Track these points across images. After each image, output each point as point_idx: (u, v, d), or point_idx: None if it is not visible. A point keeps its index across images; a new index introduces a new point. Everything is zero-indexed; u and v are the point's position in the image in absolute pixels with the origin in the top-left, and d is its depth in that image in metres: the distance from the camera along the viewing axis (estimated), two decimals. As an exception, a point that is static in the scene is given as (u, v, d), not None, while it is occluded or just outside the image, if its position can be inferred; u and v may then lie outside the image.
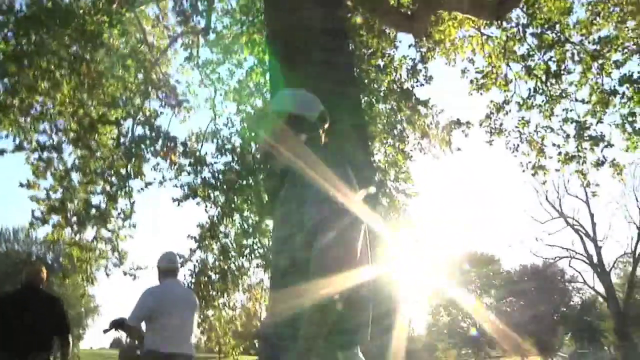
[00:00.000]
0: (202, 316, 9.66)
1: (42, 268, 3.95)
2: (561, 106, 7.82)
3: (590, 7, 7.50)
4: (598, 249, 28.76)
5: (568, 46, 7.56)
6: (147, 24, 8.48)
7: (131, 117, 7.66)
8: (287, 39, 3.25)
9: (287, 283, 1.28)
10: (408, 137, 8.60)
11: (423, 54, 8.11)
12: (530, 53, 7.72)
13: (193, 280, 9.19)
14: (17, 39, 6.05)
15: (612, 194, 55.44)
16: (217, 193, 8.99)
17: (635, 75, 6.95)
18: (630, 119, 7.28)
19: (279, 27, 3.39)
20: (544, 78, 7.68)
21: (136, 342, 3.90)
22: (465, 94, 8.38)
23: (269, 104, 1.81)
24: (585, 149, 7.56)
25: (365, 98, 7.85)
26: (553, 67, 7.60)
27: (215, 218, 9.31)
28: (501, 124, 8.31)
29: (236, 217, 9.52)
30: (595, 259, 28.81)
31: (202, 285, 9.30)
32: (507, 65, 7.99)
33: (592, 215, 28.81)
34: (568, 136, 7.75)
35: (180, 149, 8.05)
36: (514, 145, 8.22)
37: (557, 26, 7.44)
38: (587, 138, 7.50)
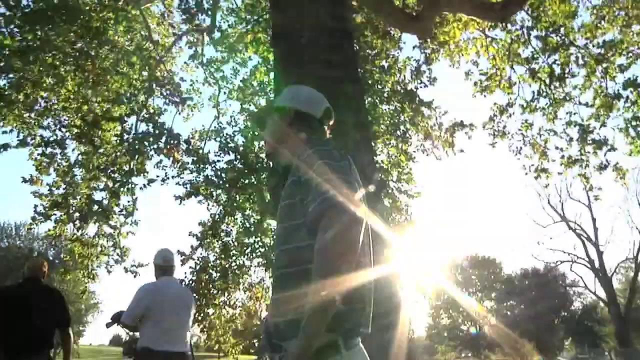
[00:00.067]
0: (202, 314, 9.67)
1: (44, 262, 3.98)
2: (565, 109, 7.83)
3: (595, 11, 7.49)
4: (600, 253, 28.71)
5: (572, 49, 7.56)
6: (152, 21, 8.50)
7: (135, 114, 7.68)
8: (291, 37, 3.26)
9: (287, 280, 1.29)
10: (411, 138, 8.61)
11: (427, 55, 8.11)
12: (535, 56, 7.72)
13: (194, 278, 9.20)
14: (23, 34, 6.07)
15: (614, 199, 55.35)
16: (219, 191, 9.01)
17: (639, 80, 6.94)
18: (633, 123, 7.28)
19: (284, 25, 3.40)
20: (548, 81, 7.68)
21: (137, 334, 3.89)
22: (469, 96, 8.38)
23: (274, 101, 1.81)
24: (589, 152, 7.55)
25: (369, 99, 7.86)
26: (557, 70, 7.60)
27: (217, 216, 9.33)
28: (504, 127, 8.32)
29: (238, 215, 9.54)
30: (596, 264, 28.75)
31: (202, 283, 9.32)
32: (511, 67, 7.99)
33: (594, 220, 28.77)
34: (571, 139, 7.75)
35: (184, 146, 8.06)
36: (517, 147, 8.23)
37: (562, 29, 7.43)
38: (591, 141, 7.49)
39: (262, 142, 8.84)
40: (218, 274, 9.47)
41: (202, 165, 8.52)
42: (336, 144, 1.42)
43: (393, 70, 8.18)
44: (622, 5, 7.26)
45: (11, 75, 6.45)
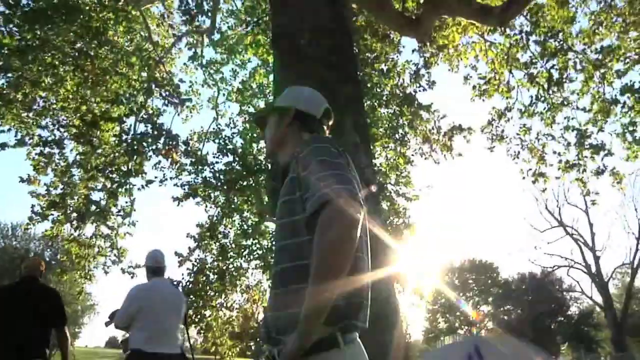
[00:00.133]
0: (199, 316, 9.65)
1: (41, 261, 3.98)
2: (563, 114, 7.86)
3: (593, 17, 7.53)
4: (596, 258, 28.75)
5: (570, 55, 7.60)
6: (152, 22, 8.51)
7: (134, 115, 7.67)
8: (291, 38, 3.27)
9: (286, 276, 1.29)
10: (409, 141, 8.64)
11: (426, 59, 8.14)
12: (533, 60, 7.75)
13: (191, 280, 9.19)
14: (22, 33, 6.07)
15: (611, 204, 55.50)
16: (217, 193, 9.01)
17: (636, 85, 7.00)
18: (630, 128, 7.32)
19: (284, 26, 3.41)
20: (546, 86, 7.71)
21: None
22: (468, 100, 8.40)
23: (274, 101, 1.82)
24: (586, 157, 7.59)
25: (368, 102, 7.88)
26: (555, 75, 7.63)
27: (214, 218, 9.33)
28: (502, 131, 8.35)
29: (236, 217, 9.54)
30: (593, 269, 28.80)
31: (200, 285, 9.31)
32: (510, 72, 8.01)
33: (591, 225, 28.81)
34: (569, 144, 7.78)
35: (182, 147, 8.06)
36: (514, 152, 8.25)
37: (560, 35, 7.47)
38: (588, 146, 7.53)
39: (261, 144, 8.87)
40: (215, 276, 9.46)
41: (200, 167, 8.52)
42: (335, 143, 1.42)
43: (392, 74, 8.21)
44: (620, 12, 7.30)
45: (10, 75, 6.45)
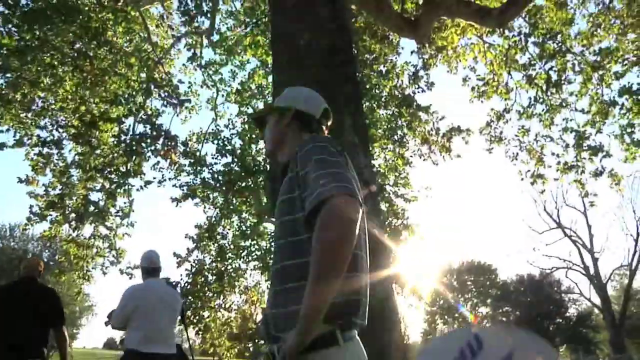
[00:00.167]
0: (197, 317, 9.64)
1: (39, 261, 3.98)
2: (561, 116, 7.89)
3: (591, 19, 7.56)
4: (595, 260, 28.78)
5: (569, 56, 7.62)
6: (151, 23, 8.51)
7: (133, 115, 7.68)
8: (290, 38, 3.27)
9: (286, 273, 1.30)
10: (408, 142, 8.65)
11: (425, 60, 8.16)
12: (532, 62, 7.78)
13: (190, 280, 9.18)
14: (21, 33, 6.07)
15: (609, 205, 55.59)
16: (216, 194, 9.01)
17: (634, 87, 7.01)
18: (629, 129, 7.34)
19: (283, 26, 3.41)
20: (544, 87, 7.74)
21: None
22: (466, 101, 8.43)
23: (274, 101, 1.83)
24: (584, 158, 7.61)
25: (367, 103, 7.89)
26: (554, 76, 7.66)
27: (213, 219, 9.33)
28: (501, 132, 8.38)
29: (234, 218, 9.54)
30: (591, 270, 28.83)
31: (198, 286, 9.30)
32: (509, 73, 8.04)
33: (589, 227, 28.84)
34: (567, 146, 7.80)
35: (181, 148, 8.06)
36: (513, 153, 8.27)
37: (559, 36, 7.50)
38: (586, 148, 7.55)
39: (260, 145, 8.88)
40: (214, 277, 9.45)
41: (199, 168, 8.53)
42: (334, 142, 1.43)
43: (391, 75, 8.23)
44: (618, 14, 7.33)
45: (9, 75, 6.45)
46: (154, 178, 8.11)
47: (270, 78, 8.05)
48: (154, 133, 7.61)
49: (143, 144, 7.59)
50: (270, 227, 9.31)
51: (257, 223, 9.42)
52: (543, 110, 7.96)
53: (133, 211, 8.04)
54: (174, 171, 8.37)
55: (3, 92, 6.53)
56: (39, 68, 6.49)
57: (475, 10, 5.73)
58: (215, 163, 8.66)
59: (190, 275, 9.25)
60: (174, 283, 8.49)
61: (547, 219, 29.84)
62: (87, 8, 6.56)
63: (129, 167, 7.63)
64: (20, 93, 6.67)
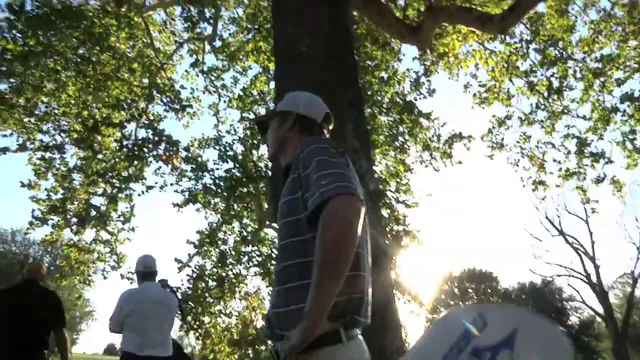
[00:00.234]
0: (197, 323, 9.61)
1: (42, 265, 4.03)
2: (563, 122, 7.90)
3: (592, 26, 7.59)
4: (597, 267, 28.65)
5: (570, 63, 7.64)
6: (154, 28, 8.56)
7: (135, 120, 7.70)
8: (292, 43, 3.29)
9: (289, 273, 1.30)
10: (409, 149, 8.65)
11: (427, 67, 8.19)
12: (533, 69, 7.80)
13: (190, 286, 9.17)
14: (25, 39, 6.11)
15: (611, 213, 55.37)
16: (217, 199, 9.01)
17: (636, 94, 7.04)
18: (630, 136, 7.34)
19: (285, 31, 3.44)
20: (546, 94, 7.75)
21: None
22: (468, 107, 8.45)
23: (276, 106, 1.85)
24: (586, 165, 7.61)
25: (368, 109, 7.91)
26: (555, 83, 7.68)
27: (214, 224, 9.32)
28: (502, 139, 8.38)
29: (235, 224, 9.53)
30: (593, 278, 28.70)
31: (199, 291, 9.28)
32: (510, 80, 8.06)
33: (591, 234, 28.74)
34: (569, 152, 7.81)
35: (183, 154, 8.08)
36: (514, 160, 8.28)
37: (560, 43, 7.52)
38: (588, 154, 7.55)
39: (261, 151, 8.90)
40: (214, 282, 9.44)
41: (200, 173, 8.53)
42: (335, 143, 1.44)
43: (392, 82, 8.25)
44: (619, 21, 7.36)
45: (12, 80, 6.48)
46: (156, 183, 8.11)
47: (272, 84, 8.09)
48: (156, 138, 7.63)
49: (145, 149, 7.61)
50: (271, 232, 9.31)
51: (258, 229, 9.41)
52: (544, 116, 7.98)
53: (134, 216, 8.04)
54: (176, 176, 8.37)
55: (7, 96, 6.56)
56: (42, 73, 6.53)
57: (476, 17, 5.76)
58: (217, 169, 8.67)
59: (191, 281, 9.24)
60: (172, 287, 8.49)
61: (549, 226, 29.73)
62: (90, 14, 6.61)
63: (130, 172, 7.65)
64: (23, 98, 6.71)
